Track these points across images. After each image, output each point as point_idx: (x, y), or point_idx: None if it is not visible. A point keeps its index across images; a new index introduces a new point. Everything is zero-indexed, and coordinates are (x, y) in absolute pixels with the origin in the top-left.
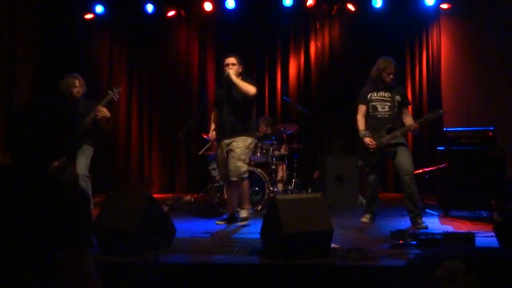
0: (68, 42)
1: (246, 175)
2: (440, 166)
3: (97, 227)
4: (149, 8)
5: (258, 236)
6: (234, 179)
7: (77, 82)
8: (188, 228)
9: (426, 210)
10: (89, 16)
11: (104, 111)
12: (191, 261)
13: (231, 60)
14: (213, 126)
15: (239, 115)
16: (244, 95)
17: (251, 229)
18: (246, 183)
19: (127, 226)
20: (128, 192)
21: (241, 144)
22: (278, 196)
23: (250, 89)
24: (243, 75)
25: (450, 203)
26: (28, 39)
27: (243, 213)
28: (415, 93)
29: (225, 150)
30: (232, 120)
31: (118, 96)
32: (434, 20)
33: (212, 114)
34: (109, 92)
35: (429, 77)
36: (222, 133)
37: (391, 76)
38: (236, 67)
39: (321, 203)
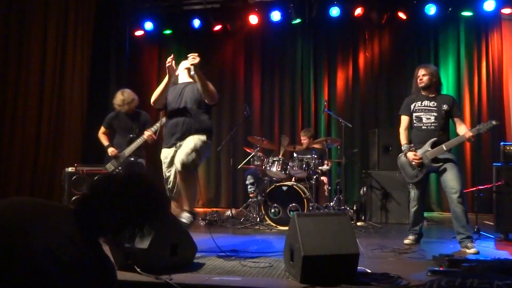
0: (118, 57)
1: None
2: (496, 184)
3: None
4: (196, 23)
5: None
6: None
7: (125, 99)
8: (218, 245)
9: (481, 232)
10: (139, 33)
11: (148, 137)
12: (203, 282)
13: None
14: None
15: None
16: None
17: (280, 248)
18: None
19: (141, 244)
20: None
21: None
22: (296, 214)
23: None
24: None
25: (509, 224)
26: (78, 54)
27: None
28: (473, 105)
29: None
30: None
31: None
32: (495, 27)
33: None
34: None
35: (489, 88)
36: None
37: (422, 79)
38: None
39: (346, 223)
